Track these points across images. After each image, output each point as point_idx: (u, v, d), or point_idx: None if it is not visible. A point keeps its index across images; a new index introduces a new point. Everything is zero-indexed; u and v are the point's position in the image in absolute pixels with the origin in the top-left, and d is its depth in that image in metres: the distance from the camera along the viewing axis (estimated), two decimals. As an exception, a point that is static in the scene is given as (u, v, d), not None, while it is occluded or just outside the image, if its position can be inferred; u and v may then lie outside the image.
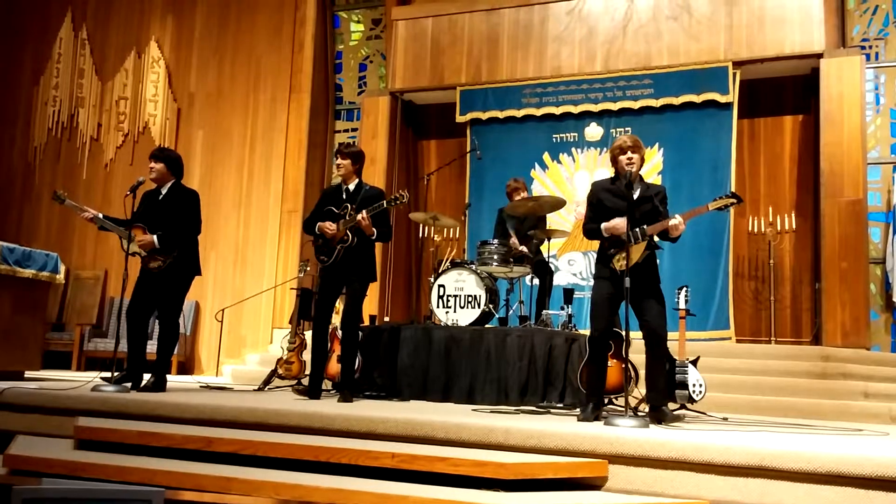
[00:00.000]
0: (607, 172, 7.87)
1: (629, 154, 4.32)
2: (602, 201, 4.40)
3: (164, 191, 5.32)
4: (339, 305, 5.43)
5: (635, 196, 4.31)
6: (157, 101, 9.96)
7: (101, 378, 4.97)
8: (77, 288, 9.70)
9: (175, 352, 6.15)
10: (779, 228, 7.84)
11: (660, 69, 8.12)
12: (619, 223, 4.22)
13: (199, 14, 9.98)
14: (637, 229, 4.19)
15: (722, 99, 7.83)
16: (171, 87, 9.95)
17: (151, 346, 5.37)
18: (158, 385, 5.07)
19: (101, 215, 5.32)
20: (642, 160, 4.42)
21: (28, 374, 5.85)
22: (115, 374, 4.99)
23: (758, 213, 8.02)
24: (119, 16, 10.36)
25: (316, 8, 9.56)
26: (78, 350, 8.92)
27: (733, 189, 7.70)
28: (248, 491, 3.08)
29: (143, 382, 5.10)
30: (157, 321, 5.34)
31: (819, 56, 7.56)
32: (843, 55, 7.54)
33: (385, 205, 5.04)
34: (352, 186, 5.24)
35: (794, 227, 7.83)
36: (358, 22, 10.05)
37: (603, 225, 4.31)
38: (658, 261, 4.50)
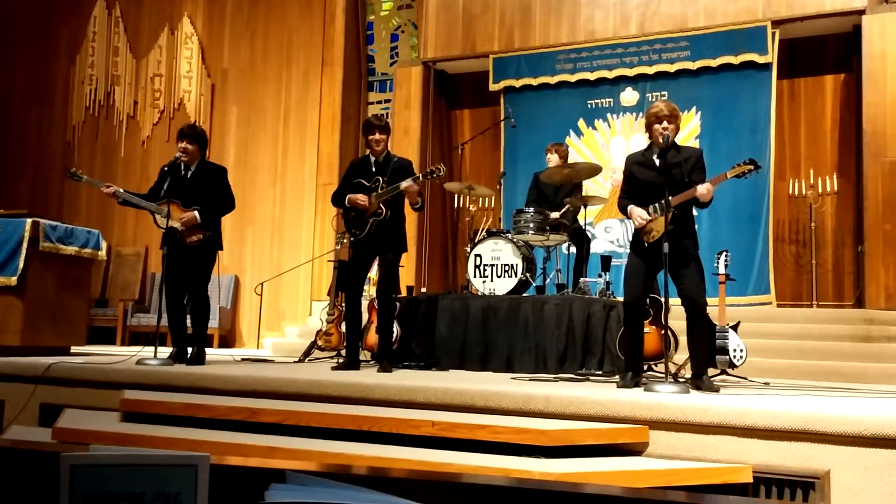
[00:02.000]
0: (643, 138, 7.77)
1: (665, 123, 4.22)
2: (633, 174, 4.35)
3: (192, 168, 5.32)
4: (374, 276, 5.45)
5: (665, 164, 4.23)
6: (191, 77, 10.02)
7: (156, 354, 5.07)
8: (119, 264, 9.88)
9: (212, 324, 6.20)
10: (820, 191, 7.67)
11: (696, 31, 7.94)
12: (636, 216, 4.18)
13: (230, -11, 9.99)
14: (660, 202, 4.10)
15: (761, 59, 7.64)
16: (204, 63, 10.00)
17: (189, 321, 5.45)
18: (199, 358, 5.17)
19: (122, 190, 5.29)
20: (677, 129, 4.34)
21: (74, 349, 5.99)
22: (170, 350, 5.08)
23: (798, 176, 7.85)
24: (151, -7, 10.41)
25: (345, -21, 9.50)
26: (122, 325, 9.12)
27: (773, 151, 7.58)
28: (293, 459, 3.13)
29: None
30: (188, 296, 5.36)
31: (861, 12, 7.33)
32: (885, 11, 7.29)
33: (422, 178, 5.01)
34: (381, 158, 5.21)
35: (835, 188, 7.65)
36: (388, -8, 9.96)
37: (628, 209, 4.28)
38: (697, 226, 4.42)
